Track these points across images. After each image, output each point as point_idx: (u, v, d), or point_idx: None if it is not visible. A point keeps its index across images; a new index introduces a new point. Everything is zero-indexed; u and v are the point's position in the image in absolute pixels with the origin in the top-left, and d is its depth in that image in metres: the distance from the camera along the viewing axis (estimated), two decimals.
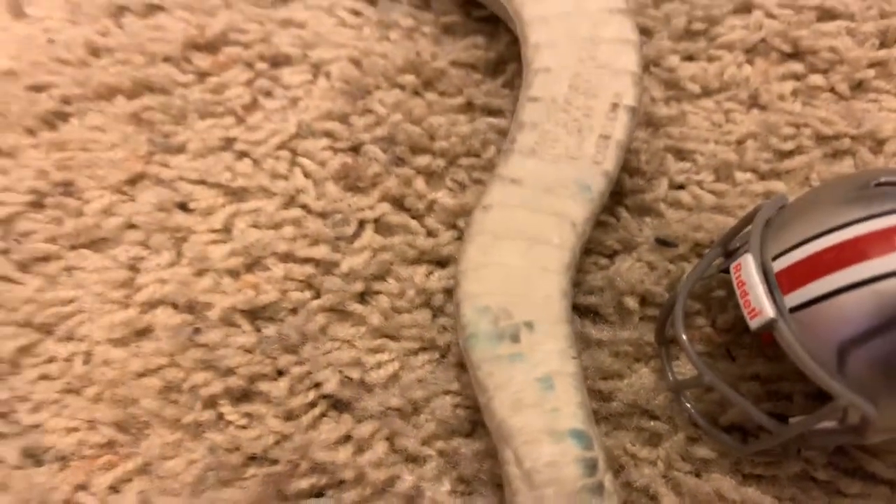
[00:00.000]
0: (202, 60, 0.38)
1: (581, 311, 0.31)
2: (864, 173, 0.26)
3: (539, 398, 0.25)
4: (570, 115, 0.30)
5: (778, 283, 0.24)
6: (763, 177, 0.33)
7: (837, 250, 0.23)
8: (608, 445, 0.29)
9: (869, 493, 0.28)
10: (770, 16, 0.37)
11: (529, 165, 0.30)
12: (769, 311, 0.24)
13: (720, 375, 0.28)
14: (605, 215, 0.32)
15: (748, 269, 0.25)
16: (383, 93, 0.36)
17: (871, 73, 0.35)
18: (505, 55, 0.37)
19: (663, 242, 0.32)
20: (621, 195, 0.33)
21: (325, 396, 0.30)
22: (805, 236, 0.24)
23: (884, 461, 0.28)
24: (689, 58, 0.36)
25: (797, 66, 0.36)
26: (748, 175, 0.34)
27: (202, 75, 0.37)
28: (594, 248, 0.32)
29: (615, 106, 0.31)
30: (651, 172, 0.34)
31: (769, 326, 0.24)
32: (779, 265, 0.25)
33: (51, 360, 0.31)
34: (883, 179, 0.25)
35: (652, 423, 0.29)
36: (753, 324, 0.24)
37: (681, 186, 0.34)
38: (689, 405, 0.29)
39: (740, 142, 0.34)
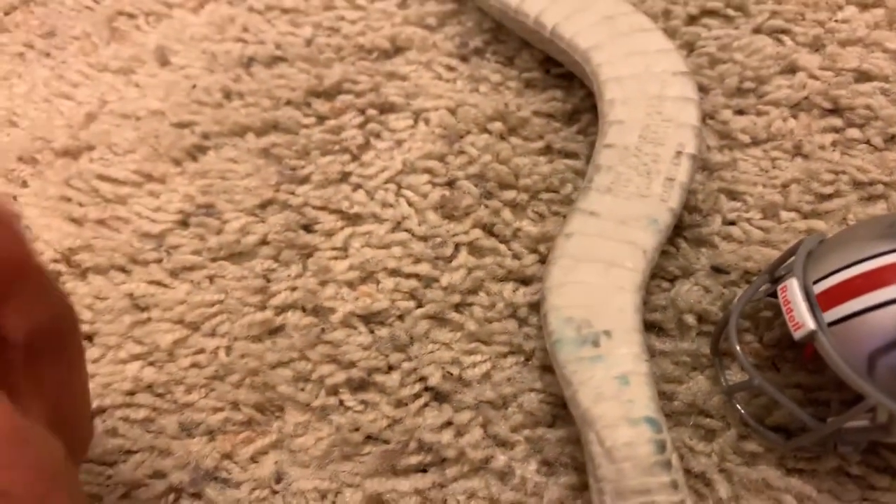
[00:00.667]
0: (321, 106, 0.45)
1: (647, 326, 0.36)
2: (893, 215, 0.32)
3: (617, 392, 0.31)
4: (640, 160, 0.36)
5: (818, 303, 0.30)
6: (805, 216, 0.39)
7: (867, 276, 0.29)
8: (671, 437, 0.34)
9: None
10: (813, 77, 0.42)
11: (605, 201, 0.36)
12: (810, 325, 0.29)
13: (770, 382, 0.33)
14: (668, 245, 0.38)
15: (793, 289, 0.30)
16: (475, 137, 0.42)
17: None
18: (579, 107, 0.43)
19: (717, 270, 0.38)
20: (681, 228, 0.39)
21: (428, 389, 0.36)
22: (841, 265, 0.30)
23: None
24: (740, 112, 0.42)
25: (836, 121, 0.41)
26: (792, 214, 0.39)
27: (321, 118, 0.44)
28: (658, 273, 0.38)
29: (679, 154, 0.36)
30: (706, 210, 0.39)
31: (810, 337, 0.29)
32: (818, 288, 0.30)
33: (199, 351, 0.37)
34: None
35: (707, 420, 0.34)
36: (797, 335, 0.29)
37: (732, 223, 0.39)
38: (739, 407, 0.34)
39: (785, 185, 0.40)
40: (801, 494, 0.32)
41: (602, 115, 0.39)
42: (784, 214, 0.39)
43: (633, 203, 0.36)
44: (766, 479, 0.33)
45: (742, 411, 0.34)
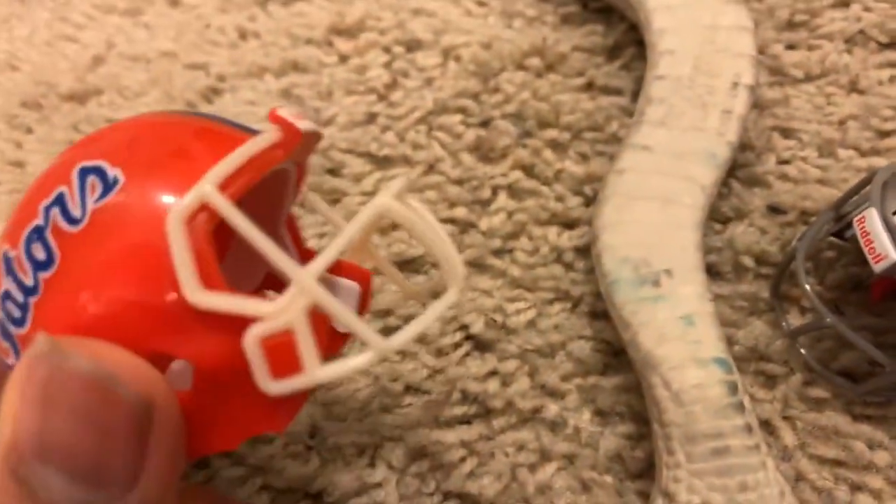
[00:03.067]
0: (343, 44, 0.42)
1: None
2: None
3: (682, 332, 0.29)
4: (694, 92, 0.34)
5: None
6: (864, 154, 0.37)
7: None
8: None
9: None
10: (867, 9, 0.40)
11: (659, 135, 0.33)
12: (894, 255, 0.27)
13: (838, 323, 0.31)
14: (723, 185, 0.36)
15: (872, 220, 0.28)
16: (510, 74, 0.40)
17: None
18: (621, 41, 0.41)
19: (774, 209, 0.36)
20: (734, 168, 0.36)
21: (470, 337, 0.34)
22: None
23: None
24: (792, 46, 0.40)
25: (893, 55, 0.39)
26: (850, 152, 0.37)
27: (344, 57, 0.42)
28: (711, 214, 0.35)
29: (735, 85, 0.34)
30: (760, 148, 0.37)
31: (893, 270, 0.27)
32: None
33: None
34: None
35: (769, 366, 0.32)
36: (878, 267, 0.27)
37: (787, 161, 0.37)
38: (803, 351, 0.32)
39: (842, 122, 0.37)
40: (871, 441, 0.30)
41: (651, 46, 0.36)
42: (842, 152, 0.37)
43: (688, 136, 0.33)
44: (835, 426, 0.31)
45: (806, 355, 0.32)
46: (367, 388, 0.33)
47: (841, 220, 0.32)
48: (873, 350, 0.29)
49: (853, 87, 0.38)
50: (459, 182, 0.37)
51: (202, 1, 0.45)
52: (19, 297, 0.17)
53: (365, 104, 0.40)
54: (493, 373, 0.33)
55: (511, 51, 0.40)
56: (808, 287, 0.30)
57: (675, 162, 0.33)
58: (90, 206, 0.17)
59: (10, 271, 0.18)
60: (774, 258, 0.34)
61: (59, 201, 0.17)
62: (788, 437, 0.31)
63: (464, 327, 0.34)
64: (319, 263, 0.17)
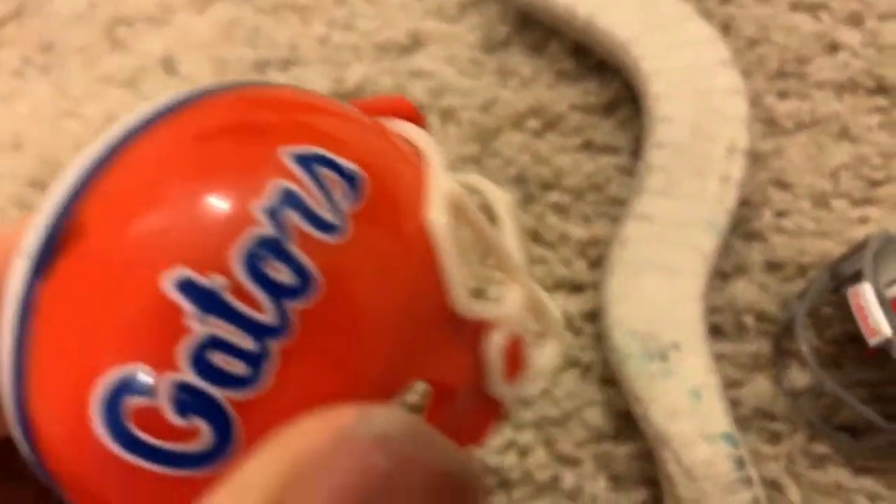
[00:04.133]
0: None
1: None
2: None
3: (691, 407, 0.30)
4: (692, 159, 0.35)
5: (892, 308, 0.29)
6: (857, 204, 0.38)
7: None
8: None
9: None
10: (855, 55, 0.41)
11: (660, 204, 0.35)
12: (887, 331, 0.28)
13: (836, 381, 0.32)
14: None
15: (866, 295, 0.29)
16: (509, 136, 0.41)
17: None
18: (616, 98, 0.41)
19: (772, 265, 0.37)
20: (735, 224, 0.37)
21: None
22: None
23: None
24: (784, 96, 0.41)
25: (882, 101, 0.40)
26: (843, 202, 0.38)
27: None
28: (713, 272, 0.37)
29: (731, 150, 0.35)
30: (756, 202, 0.38)
31: (887, 345, 0.29)
32: (892, 292, 0.29)
33: None
34: None
35: (773, 424, 0.34)
36: (872, 342, 0.29)
37: (783, 214, 0.38)
38: (805, 409, 0.34)
39: (833, 173, 0.39)
40: (873, 494, 0.32)
41: (647, 112, 0.37)
42: (835, 203, 0.38)
43: (689, 205, 0.34)
44: (837, 481, 0.32)
45: (808, 414, 0.33)
46: None
47: (837, 278, 0.34)
48: (869, 412, 0.31)
49: (844, 136, 0.39)
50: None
51: (197, 68, 0.45)
52: (245, 342, 0.11)
53: None
54: (511, 444, 0.34)
55: (508, 112, 0.41)
56: (807, 350, 0.32)
57: (678, 231, 0.34)
58: (345, 208, 0.12)
59: (216, 308, 0.11)
60: (774, 316, 0.36)
61: (292, 201, 0.12)
62: (794, 495, 0.32)
63: None
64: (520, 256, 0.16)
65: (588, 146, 0.40)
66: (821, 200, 0.38)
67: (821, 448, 0.33)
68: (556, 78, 0.43)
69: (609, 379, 0.35)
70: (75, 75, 0.46)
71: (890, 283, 0.29)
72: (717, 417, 0.30)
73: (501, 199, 0.18)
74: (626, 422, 0.34)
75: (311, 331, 0.12)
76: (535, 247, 0.38)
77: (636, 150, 0.39)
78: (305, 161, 0.13)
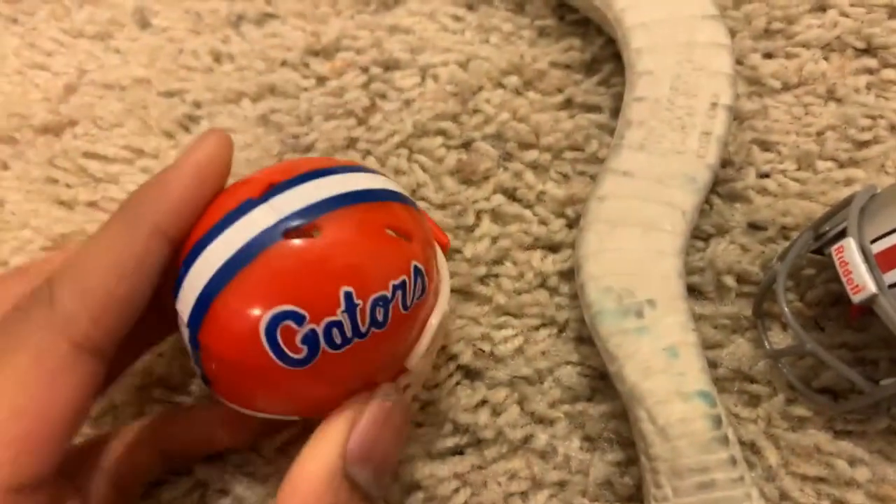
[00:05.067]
0: (320, 65, 0.41)
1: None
2: None
3: (666, 365, 0.29)
4: (673, 114, 0.34)
5: (877, 263, 0.28)
6: (843, 165, 0.37)
7: None
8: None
9: None
10: (844, 14, 0.40)
11: (639, 159, 0.34)
12: (871, 287, 0.27)
13: (817, 343, 0.31)
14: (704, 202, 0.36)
15: (850, 250, 0.28)
16: (489, 93, 0.40)
17: None
18: (599, 55, 0.40)
19: (754, 226, 0.36)
20: (714, 183, 0.36)
21: (459, 367, 0.34)
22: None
23: None
24: (769, 55, 0.40)
25: (871, 62, 0.39)
26: (829, 164, 0.37)
27: (321, 79, 0.41)
28: (692, 232, 0.36)
29: (714, 105, 0.34)
30: (739, 162, 0.37)
31: (871, 301, 0.28)
32: (876, 248, 0.28)
33: None
34: None
35: (752, 386, 0.33)
36: (857, 298, 0.28)
37: (766, 175, 0.37)
38: (785, 370, 0.33)
39: (820, 133, 0.38)
40: (852, 457, 0.31)
41: (629, 66, 0.36)
42: (820, 164, 0.37)
43: (668, 160, 0.33)
44: (816, 444, 0.32)
45: (788, 374, 0.33)
46: None
47: (820, 238, 0.33)
48: (852, 374, 0.30)
49: (831, 96, 0.39)
50: (443, 207, 0.37)
51: (173, 23, 0.44)
52: (347, 332, 0.22)
53: (345, 129, 0.39)
54: (483, 402, 0.33)
55: (489, 69, 0.40)
56: (787, 310, 0.31)
57: (656, 187, 0.33)
58: (413, 301, 0.24)
59: (350, 311, 0.22)
60: (756, 277, 0.35)
61: (402, 288, 0.23)
62: (772, 457, 0.31)
63: (453, 357, 0.34)
64: None
65: (568, 104, 0.39)
66: (806, 161, 0.37)
67: (800, 410, 0.32)
68: (538, 35, 0.41)
69: (584, 338, 0.34)
70: (44, 27, 0.44)
71: (875, 239, 0.28)
72: (694, 375, 0.29)
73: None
74: (602, 382, 0.33)
75: (376, 345, 0.23)
76: (511, 205, 0.37)
77: (617, 108, 0.38)
78: (417, 272, 0.24)
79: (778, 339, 0.34)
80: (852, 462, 0.31)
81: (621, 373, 0.30)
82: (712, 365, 0.33)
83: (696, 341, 0.30)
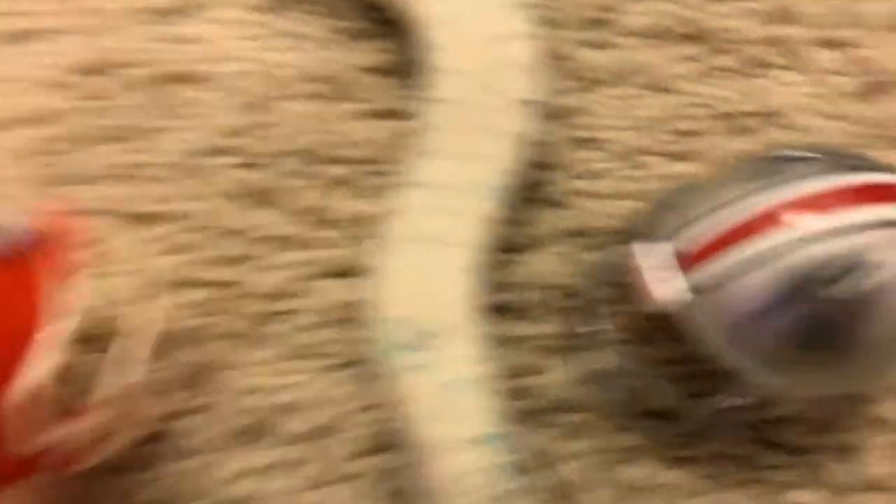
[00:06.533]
0: (90, 83, 0.36)
1: (496, 308, 0.31)
2: (762, 151, 0.27)
3: (451, 406, 0.25)
4: (473, 115, 0.30)
5: (678, 265, 0.24)
6: (671, 158, 0.34)
7: (735, 229, 0.23)
8: (532, 444, 0.28)
9: (788, 463, 0.28)
10: (667, 0, 0.37)
11: (436, 167, 0.30)
12: (667, 293, 0.24)
13: (641, 361, 0.28)
14: (515, 211, 0.32)
15: (642, 253, 0.25)
16: (288, 104, 0.35)
17: (767, 50, 0.36)
18: (409, 60, 0.36)
19: (575, 233, 0.32)
20: (530, 189, 0.33)
21: (242, 429, 0.29)
22: (701, 216, 0.24)
23: (798, 430, 0.29)
24: (592, 46, 0.36)
25: (695, 49, 0.36)
26: (656, 159, 0.34)
27: (91, 98, 0.36)
28: (506, 245, 0.32)
29: (516, 102, 0.30)
30: (559, 165, 0.34)
31: (666, 310, 0.24)
32: (677, 247, 0.25)
33: None
34: (779, 154, 0.25)
35: (574, 416, 0.29)
36: (649, 308, 0.24)
37: (589, 176, 0.34)
38: (609, 394, 0.29)
39: (646, 126, 0.34)
40: (682, 486, 0.28)
41: (430, 66, 0.32)
42: (648, 159, 0.34)
43: (467, 166, 0.30)
44: (650, 476, 0.28)
45: (612, 399, 0.29)
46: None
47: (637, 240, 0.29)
48: (671, 395, 0.26)
49: (655, 86, 0.35)
50: (227, 235, 0.33)
51: None
52: None
53: (128, 153, 0.34)
54: (272, 465, 0.28)
55: (290, 77, 0.36)
56: (605, 326, 0.27)
57: (453, 197, 0.29)
58: None
59: None
60: (576, 290, 0.31)
61: None
62: (598, 494, 0.28)
63: (236, 414, 0.29)
64: None
65: (377, 112, 0.35)
66: (630, 158, 0.34)
67: (629, 439, 0.29)
68: (344, 39, 0.37)
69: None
70: None
71: (677, 237, 0.25)
72: (482, 418, 0.25)
73: None
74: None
75: None
76: (304, 227, 0.33)
77: None
78: None
79: (602, 358, 0.30)
80: (692, 493, 0.28)
81: (404, 418, 0.25)
82: (527, 395, 0.29)
83: (488, 374, 0.26)
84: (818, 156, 0.24)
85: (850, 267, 0.22)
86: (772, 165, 0.24)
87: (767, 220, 0.23)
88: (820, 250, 0.22)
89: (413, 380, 0.25)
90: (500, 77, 0.31)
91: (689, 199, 0.25)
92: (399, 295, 0.27)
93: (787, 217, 0.22)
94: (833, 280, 0.22)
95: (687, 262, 0.24)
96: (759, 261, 0.22)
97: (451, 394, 0.25)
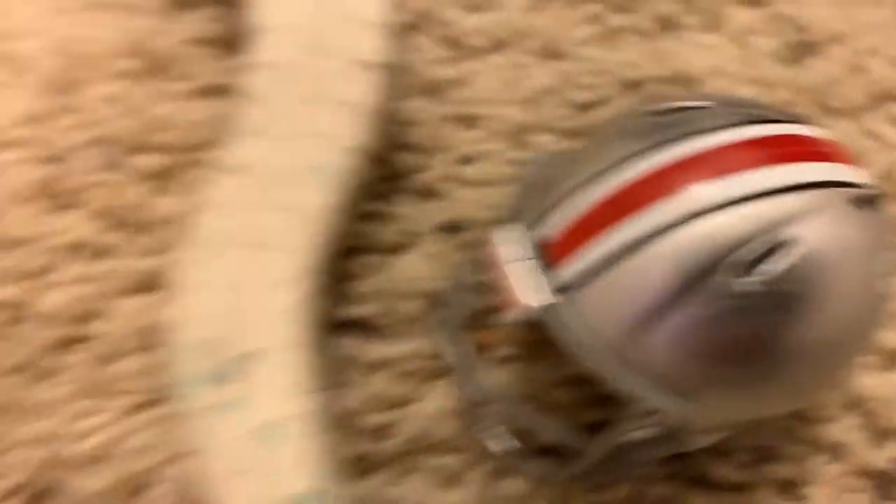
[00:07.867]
0: None
1: (348, 327, 0.24)
2: (643, 104, 0.21)
3: (260, 456, 0.18)
4: (303, 82, 0.24)
5: (543, 258, 0.18)
6: (565, 135, 0.28)
7: (610, 204, 0.18)
8: (393, 494, 0.22)
9: (715, 501, 0.22)
10: None
11: (256, 150, 0.23)
12: (526, 297, 0.18)
13: (527, 384, 0.22)
14: (377, 204, 0.26)
15: (499, 249, 0.19)
16: (96, 85, 0.29)
17: (678, 8, 0.30)
18: (242, 29, 0.30)
19: (450, 227, 0.26)
20: (396, 178, 0.27)
21: (20, 488, 0.22)
22: (569, 192, 0.18)
23: (731, 463, 0.23)
24: (473, 8, 0.31)
25: (594, 8, 0.31)
26: (547, 137, 0.28)
27: None
28: (364, 246, 0.26)
29: (358, 65, 0.24)
30: (433, 147, 0.28)
31: (531, 317, 0.18)
32: (541, 234, 0.19)
33: None
34: (662, 107, 0.19)
35: (449, 458, 0.23)
36: (509, 316, 0.18)
37: (468, 160, 0.28)
38: (492, 430, 0.23)
39: (536, 99, 0.29)
40: None
41: (252, 25, 0.26)
42: (537, 138, 0.28)
43: (293, 147, 0.23)
44: None
45: (495, 436, 0.23)
46: None
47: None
48: (557, 431, 0.20)
49: (548, 53, 0.30)
50: (13, 245, 0.26)
51: None
52: None
53: None
54: None
55: (99, 53, 0.29)
56: (457, 349, 0.21)
57: (274, 188, 0.23)
58: None
59: None
60: (445, 299, 0.25)
61: None
62: None
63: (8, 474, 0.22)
64: None
65: (201, 90, 0.29)
66: (516, 137, 0.28)
67: (515, 485, 0.22)
68: (169, 5, 0.31)
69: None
70: None
71: (540, 223, 0.19)
72: (299, 470, 0.18)
73: None
74: None
75: None
76: (107, 234, 0.26)
77: None
78: None
79: (482, 385, 0.24)
80: None
81: (201, 470, 0.19)
82: (387, 435, 0.23)
83: (312, 411, 0.20)
84: (711, 104, 0.19)
85: (762, 246, 0.16)
86: (655, 120, 0.19)
87: (650, 189, 0.17)
88: (720, 226, 0.16)
89: (217, 423, 0.19)
90: (334, 36, 0.25)
91: (557, 173, 0.19)
92: (208, 313, 0.20)
93: (676, 184, 0.17)
94: (741, 265, 0.16)
95: (553, 253, 0.18)
96: (642, 244, 0.16)
97: (263, 439, 0.18)
